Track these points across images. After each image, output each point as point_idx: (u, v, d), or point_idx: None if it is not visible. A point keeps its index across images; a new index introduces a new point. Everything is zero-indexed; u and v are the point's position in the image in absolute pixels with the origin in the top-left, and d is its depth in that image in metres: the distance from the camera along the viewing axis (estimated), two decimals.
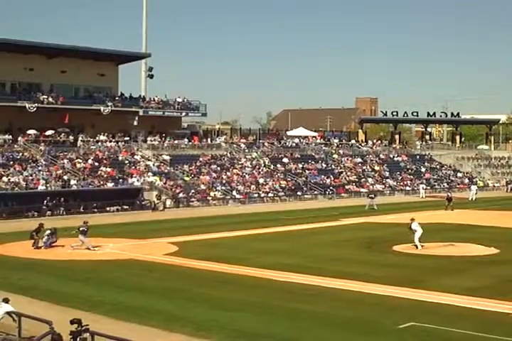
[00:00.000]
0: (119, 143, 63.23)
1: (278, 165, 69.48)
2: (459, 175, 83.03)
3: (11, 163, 52.31)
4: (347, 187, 69.37)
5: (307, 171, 70.10)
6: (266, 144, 75.71)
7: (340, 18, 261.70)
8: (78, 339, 13.21)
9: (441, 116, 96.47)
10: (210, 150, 68.92)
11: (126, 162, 59.45)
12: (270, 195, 62.27)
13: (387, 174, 76.35)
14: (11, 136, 57.11)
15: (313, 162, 73.27)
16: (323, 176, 69.70)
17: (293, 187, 65.24)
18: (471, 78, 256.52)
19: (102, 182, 53.38)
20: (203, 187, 58.99)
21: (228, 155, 69.00)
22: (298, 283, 23.47)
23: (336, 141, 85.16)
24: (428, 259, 29.25)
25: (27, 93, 61.24)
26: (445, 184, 77.81)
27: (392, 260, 29.06)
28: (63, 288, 22.68)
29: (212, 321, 18.25)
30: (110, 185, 53.57)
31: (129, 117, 65.94)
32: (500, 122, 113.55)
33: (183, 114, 71.44)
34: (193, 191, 57.60)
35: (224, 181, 61.64)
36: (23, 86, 63.21)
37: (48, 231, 31.77)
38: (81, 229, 31.35)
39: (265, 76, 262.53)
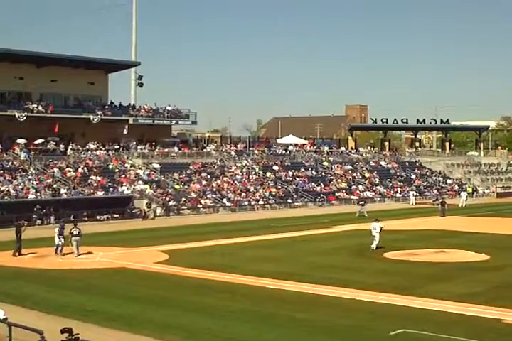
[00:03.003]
0: (109, 151, 63.15)
1: (268, 173, 69.49)
2: (449, 181, 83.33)
3: (1, 171, 52.13)
4: (337, 194, 69.46)
5: (297, 179, 70.16)
6: (256, 152, 75.76)
7: (330, 25, 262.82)
8: None
9: (430, 123, 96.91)
10: (200, 158, 68.88)
11: (117, 170, 59.37)
12: (261, 202, 62.26)
13: (377, 181, 76.51)
14: (0, 145, 56.97)
15: (303, 169, 73.38)
16: (313, 183, 69.79)
17: (283, 195, 65.27)
18: (460, 85, 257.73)
19: (92, 191, 53.28)
20: (193, 195, 58.94)
21: (218, 163, 69.01)
22: (290, 291, 23.41)
23: (326, 148, 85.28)
24: (419, 266, 29.26)
25: (17, 102, 61.18)
26: (435, 191, 78.05)
27: (384, 267, 29.03)
28: (54, 297, 22.56)
29: (204, 329, 18.17)
30: (100, 193, 53.48)
31: (119, 126, 65.91)
32: (490, 129, 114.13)
33: (173, 122, 71.45)
34: (183, 199, 57.53)
35: (214, 189, 61.61)
36: (12, 95, 63.19)
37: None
38: (73, 232, 31.43)
39: (255, 84, 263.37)
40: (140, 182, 58.04)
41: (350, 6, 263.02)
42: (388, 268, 28.60)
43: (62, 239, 31.64)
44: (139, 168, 61.65)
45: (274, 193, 64.83)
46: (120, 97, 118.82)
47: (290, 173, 71.10)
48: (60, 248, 31.54)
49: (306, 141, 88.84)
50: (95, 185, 54.70)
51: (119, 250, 34.14)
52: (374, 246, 33.44)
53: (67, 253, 31.61)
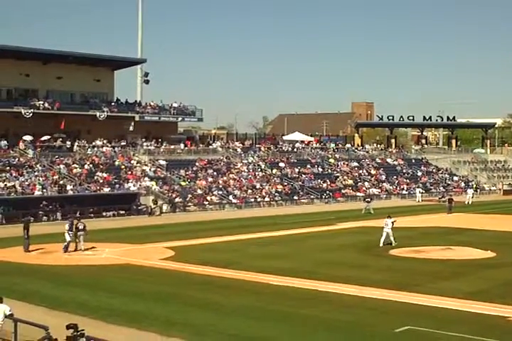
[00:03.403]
0: (116, 148, 63.24)
1: (274, 170, 69.49)
2: (455, 178, 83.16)
3: (8, 168, 52.22)
4: (343, 191, 69.42)
5: (303, 175, 70.12)
6: (262, 149, 75.76)
7: (336, 22, 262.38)
8: None
9: (437, 120, 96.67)
10: (206, 154, 68.90)
11: (123, 167, 59.42)
12: (267, 199, 62.25)
13: (383, 178, 76.41)
14: (6, 142, 57.12)
15: (309, 166, 73.33)
16: (319, 180, 69.75)
17: (289, 192, 65.25)
18: (466, 82, 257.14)
19: (98, 188, 53.35)
20: (199, 191, 58.98)
21: (224, 159, 69.00)
22: (294, 287, 23.44)
23: (332, 145, 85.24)
24: (425, 263, 29.26)
25: (23, 99, 61.29)
26: (441, 188, 77.91)
27: (389, 264, 29.02)
28: (59, 293, 22.62)
29: (209, 325, 18.21)
30: (106, 190, 53.54)
31: (125, 122, 65.99)
32: (496, 126, 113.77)
33: (179, 119, 71.50)
34: (189, 196, 57.56)
35: (220, 186, 61.64)
36: (19, 92, 63.34)
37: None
38: (79, 227, 31.71)
39: (261, 80, 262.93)
40: (146, 178, 58.09)
41: (356, 4, 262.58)
42: (394, 265, 28.59)
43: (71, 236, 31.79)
44: (145, 165, 61.71)
45: (280, 190, 64.83)
46: (126, 94, 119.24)
47: (296, 170, 71.07)
48: (69, 244, 31.56)
49: (312, 138, 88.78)
50: (101, 181, 54.78)
51: (125, 246, 34.19)
52: (381, 242, 33.51)
53: (73, 250, 31.68)
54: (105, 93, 69.05)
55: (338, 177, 72.84)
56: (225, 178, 63.70)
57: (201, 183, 60.79)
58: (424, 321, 18.38)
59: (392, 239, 33.67)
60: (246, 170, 67.44)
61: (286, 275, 25.36)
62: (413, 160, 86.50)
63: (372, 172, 77.43)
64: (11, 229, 38.03)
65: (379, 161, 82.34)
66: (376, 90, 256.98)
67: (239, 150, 73.34)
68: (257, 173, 67.51)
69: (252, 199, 61.18)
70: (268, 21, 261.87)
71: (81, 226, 31.79)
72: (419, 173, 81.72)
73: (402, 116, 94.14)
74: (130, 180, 56.60)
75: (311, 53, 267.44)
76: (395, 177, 77.72)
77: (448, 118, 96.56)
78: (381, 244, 33.46)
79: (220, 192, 60.15)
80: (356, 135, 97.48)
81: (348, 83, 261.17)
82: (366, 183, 73.30)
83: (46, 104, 60.78)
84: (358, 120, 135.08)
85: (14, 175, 51.21)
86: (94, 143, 62.62)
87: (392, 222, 33.92)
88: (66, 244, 31.56)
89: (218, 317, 19.14)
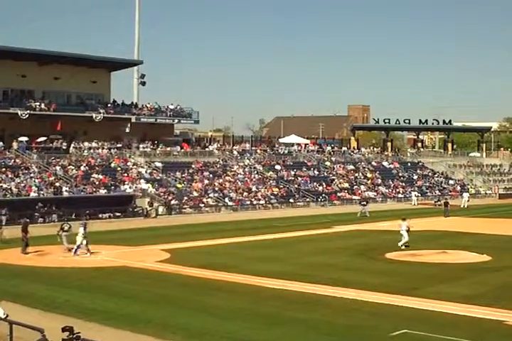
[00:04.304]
0: (112, 150, 63.19)
1: (270, 173, 69.46)
2: (451, 182, 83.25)
3: (3, 169, 52.13)
4: (339, 194, 69.44)
5: (299, 178, 70.13)
6: (258, 151, 75.78)
7: (333, 25, 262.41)
8: None
9: (433, 123, 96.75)
10: (202, 157, 68.91)
11: (119, 169, 59.38)
12: (262, 202, 62.23)
13: (379, 181, 76.46)
14: (2, 143, 57.01)
15: (305, 169, 73.36)
16: (315, 183, 69.77)
17: (285, 195, 65.24)
18: (463, 86, 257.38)
19: (94, 189, 53.28)
20: (195, 194, 58.94)
21: (221, 162, 69.00)
22: (291, 291, 23.37)
23: (329, 148, 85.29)
24: (421, 267, 29.22)
25: (19, 100, 61.20)
26: (437, 191, 77.98)
27: (385, 267, 29.00)
28: (55, 296, 22.52)
29: (204, 328, 18.14)
30: (102, 191, 53.49)
31: (121, 124, 65.94)
32: (492, 130, 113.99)
33: (176, 121, 71.54)
34: (185, 198, 57.52)
35: (216, 188, 61.61)
36: (15, 93, 63.25)
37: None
38: (64, 227, 31.78)
39: (258, 83, 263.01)
40: (142, 180, 58.05)
41: (352, 6, 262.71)
42: (390, 269, 28.56)
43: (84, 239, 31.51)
44: (141, 167, 61.68)
45: (276, 193, 64.83)
46: (123, 96, 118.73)
47: (292, 173, 71.09)
48: (79, 248, 31.28)
49: (308, 141, 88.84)
50: (97, 183, 54.71)
51: (121, 249, 34.13)
52: (401, 243, 34.04)
53: (86, 253, 31.45)
54: (101, 94, 69.05)
55: (334, 180, 72.87)
56: (221, 181, 63.69)
57: (197, 185, 60.76)
58: (421, 325, 18.34)
59: (403, 241, 34.07)
60: (242, 173, 67.44)
61: (283, 279, 25.29)
62: (409, 164, 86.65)
63: (368, 175, 77.49)
64: (8, 231, 37.88)
65: (375, 164, 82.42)
66: (372, 93, 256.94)
67: (235, 152, 73.36)
68: (253, 176, 67.51)
69: (248, 202, 61.15)
70: (265, 24, 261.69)
71: (66, 227, 31.83)
72: (415, 177, 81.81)
73: (398, 120, 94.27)
74: (126, 182, 56.57)
75: (307, 56, 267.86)
76: (390, 180, 77.78)
77: (444, 121, 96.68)
78: (400, 245, 33.93)
79: (216, 195, 60.13)
80: (352, 138, 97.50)
81: (345, 86, 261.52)
82: (362, 186, 73.35)
83: (42, 105, 60.76)
84: (354, 123, 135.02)
85: (10, 176, 51.12)
86: (90, 145, 62.55)
87: (407, 226, 34.46)
88: (77, 247, 31.25)
89: (214, 321, 19.07)
